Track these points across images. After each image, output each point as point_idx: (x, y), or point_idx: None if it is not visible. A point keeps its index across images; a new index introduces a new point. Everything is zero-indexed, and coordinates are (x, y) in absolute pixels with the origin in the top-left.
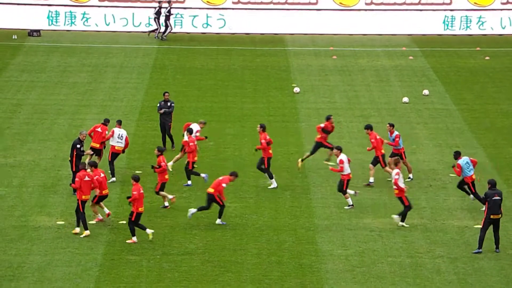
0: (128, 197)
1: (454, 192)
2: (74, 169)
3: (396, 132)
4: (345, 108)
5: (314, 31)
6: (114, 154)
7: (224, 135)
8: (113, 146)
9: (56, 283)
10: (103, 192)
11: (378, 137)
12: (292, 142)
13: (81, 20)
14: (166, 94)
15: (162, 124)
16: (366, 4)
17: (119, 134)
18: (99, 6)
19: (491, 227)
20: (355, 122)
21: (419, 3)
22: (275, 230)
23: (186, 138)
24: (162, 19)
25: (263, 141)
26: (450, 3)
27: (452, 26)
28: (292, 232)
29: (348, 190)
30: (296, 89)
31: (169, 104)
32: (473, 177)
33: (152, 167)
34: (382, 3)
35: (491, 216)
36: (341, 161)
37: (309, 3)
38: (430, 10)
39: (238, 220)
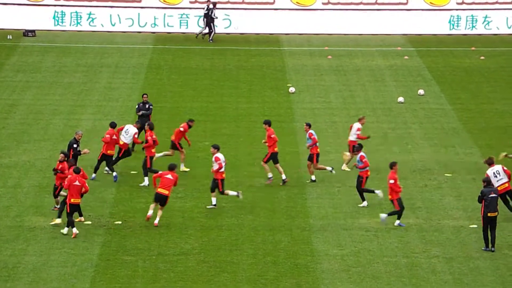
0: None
1: (449, 192)
2: None
3: (310, 131)
4: (340, 108)
5: (309, 31)
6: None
7: (220, 135)
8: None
9: (51, 284)
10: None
11: (273, 136)
12: (287, 142)
13: (87, 20)
14: (145, 96)
15: (142, 125)
16: (323, 4)
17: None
18: (100, 6)
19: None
20: (351, 122)
21: (375, 3)
22: (270, 230)
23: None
24: (208, 20)
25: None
26: (406, 3)
27: (457, 26)
28: (288, 232)
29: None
30: (291, 89)
31: (147, 106)
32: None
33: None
34: (338, 3)
35: (488, 214)
36: (362, 157)
37: (266, 3)
38: (429, 10)
39: (233, 220)
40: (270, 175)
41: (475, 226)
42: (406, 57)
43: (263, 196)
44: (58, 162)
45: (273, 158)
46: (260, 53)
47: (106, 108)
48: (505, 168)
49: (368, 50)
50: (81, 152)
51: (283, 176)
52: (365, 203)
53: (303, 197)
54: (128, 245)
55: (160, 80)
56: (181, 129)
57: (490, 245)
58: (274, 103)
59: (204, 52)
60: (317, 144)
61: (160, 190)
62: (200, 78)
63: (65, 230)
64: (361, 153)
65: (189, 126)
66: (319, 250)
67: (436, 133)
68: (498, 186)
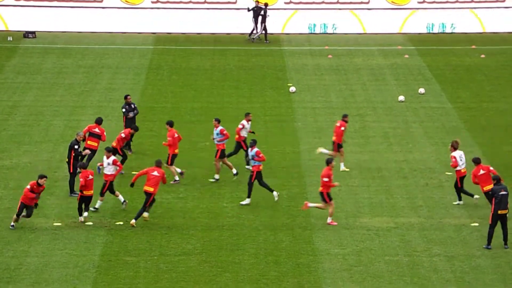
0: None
1: (450, 190)
2: (71, 171)
3: (220, 127)
4: (341, 107)
5: (309, 31)
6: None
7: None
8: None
9: (53, 285)
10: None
11: (176, 135)
12: (288, 142)
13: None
14: (129, 97)
15: (129, 127)
16: (285, 3)
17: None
18: (100, 7)
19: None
20: (351, 121)
21: (337, 2)
22: (272, 229)
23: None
24: (258, 20)
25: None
26: (368, 2)
27: (451, 26)
28: (289, 231)
29: None
30: (292, 89)
31: (133, 106)
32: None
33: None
34: (300, 2)
35: (499, 212)
36: None
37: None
38: (430, 8)
39: (235, 220)
40: (178, 174)
41: (477, 224)
42: (406, 56)
43: (264, 195)
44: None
45: (173, 159)
46: (261, 53)
47: (106, 109)
48: (491, 168)
49: (368, 49)
50: (82, 153)
51: (179, 171)
52: (275, 195)
53: (304, 196)
54: (129, 245)
55: (160, 80)
56: (122, 135)
57: (503, 243)
58: (274, 103)
59: (205, 53)
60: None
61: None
62: (201, 78)
63: (86, 214)
64: (257, 149)
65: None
66: (321, 250)
67: (437, 131)
68: (462, 169)
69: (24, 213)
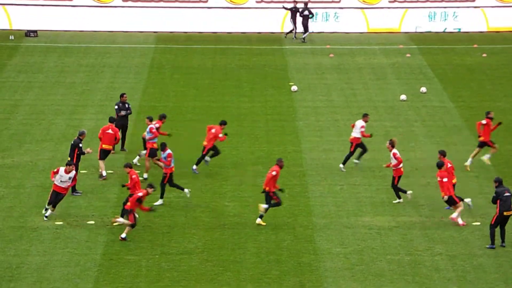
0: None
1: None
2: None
3: (151, 125)
4: (343, 106)
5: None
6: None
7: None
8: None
9: (55, 284)
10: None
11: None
12: (289, 141)
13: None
14: (124, 95)
15: (121, 125)
16: (257, 2)
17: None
18: (101, 6)
19: None
20: (353, 120)
21: (309, 1)
22: (273, 229)
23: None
24: (297, 19)
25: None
26: (339, 2)
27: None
28: (291, 230)
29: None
30: (294, 88)
31: (127, 106)
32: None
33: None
34: (272, 1)
35: (504, 213)
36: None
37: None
38: (430, 7)
39: (236, 219)
40: (104, 173)
41: (478, 223)
42: (408, 55)
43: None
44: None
45: (103, 153)
46: (262, 52)
47: (108, 108)
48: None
49: (370, 48)
50: (85, 152)
51: (103, 173)
52: (187, 192)
53: (306, 195)
54: (131, 244)
55: (162, 79)
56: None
57: (501, 241)
58: (276, 102)
59: (206, 52)
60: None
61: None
62: (202, 78)
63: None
64: (169, 151)
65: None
66: (322, 249)
67: (438, 130)
68: (401, 168)
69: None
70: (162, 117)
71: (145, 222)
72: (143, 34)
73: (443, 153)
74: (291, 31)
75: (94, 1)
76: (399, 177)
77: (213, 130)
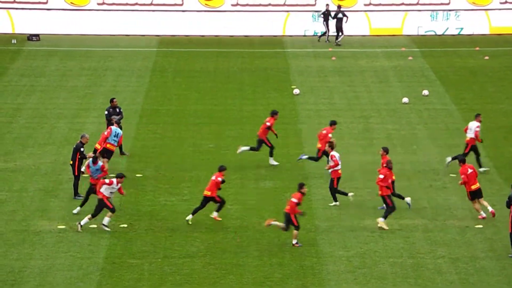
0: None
1: (454, 192)
2: (76, 173)
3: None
4: (345, 109)
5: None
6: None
7: (224, 138)
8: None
9: (57, 287)
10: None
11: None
12: (292, 144)
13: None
14: (114, 100)
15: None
16: (232, 5)
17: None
18: (97, 10)
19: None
20: (355, 123)
21: (284, 4)
22: (276, 232)
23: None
24: (330, 22)
25: None
26: (314, 4)
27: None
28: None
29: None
30: (296, 91)
31: (118, 110)
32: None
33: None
34: (247, 4)
35: None
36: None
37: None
38: (429, 10)
39: (239, 222)
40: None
41: (481, 226)
42: (410, 58)
43: (268, 198)
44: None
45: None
46: (264, 55)
47: None
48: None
49: (372, 51)
50: (87, 156)
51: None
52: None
53: (309, 198)
54: (133, 248)
55: (164, 83)
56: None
57: None
58: (278, 105)
59: (208, 55)
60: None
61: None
62: (204, 81)
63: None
64: (100, 163)
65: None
66: (325, 252)
67: (441, 133)
68: (339, 170)
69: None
70: (274, 114)
71: (147, 226)
72: (145, 37)
73: (386, 150)
74: (324, 34)
75: (97, 5)
76: (338, 179)
77: (324, 131)
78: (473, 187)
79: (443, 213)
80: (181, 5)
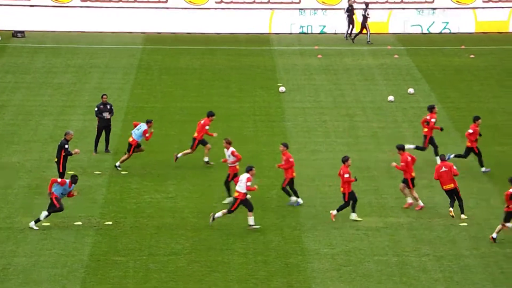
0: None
1: (439, 190)
2: (61, 170)
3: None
4: (331, 107)
5: (299, 31)
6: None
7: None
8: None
9: (42, 285)
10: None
11: None
12: (278, 142)
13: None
14: (104, 96)
15: (104, 127)
16: (216, 2)
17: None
18: (90, 7)
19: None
20: (341, 121)
21: (268, 2)
22: (261, 229)
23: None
24: (351, 19)
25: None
26: (299, 2)
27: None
28: (279, 231)
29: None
30: (282, 89)
31: (108, 107)
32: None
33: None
34: (231, 1)
35: None
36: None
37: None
38: (414, 8)
39: (224, 220)
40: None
41: (465, 224)
42: (396, 56)
43: (253, 195)
44: None
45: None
46: (251, 53)
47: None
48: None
49: (358, 49)
50: (72, 153)
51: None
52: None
53: None
54: (118, 245)
55: (150, 80)
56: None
57: None
58: (264, 103)
59: (194, 52)
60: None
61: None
62: (190, 78)
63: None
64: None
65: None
66: (310, 249)
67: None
68: (237, 166)
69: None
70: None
71: (132, 223)
72: (131, 35)
73: (285, 145)
74: (355, 33)
75: (82, 2)
76: (235, 174)
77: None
78: (413, 174)
79: (428, 211)
80: (166, 2)
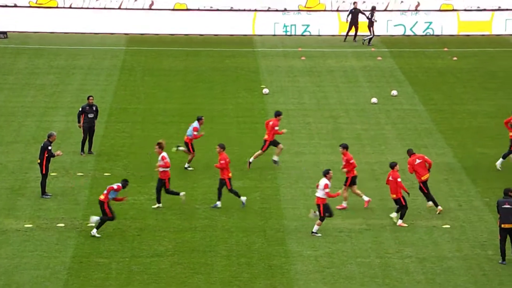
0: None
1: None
2: (44, 172)
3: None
4: (314, 109)
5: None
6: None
7: None
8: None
9: (24, 287)
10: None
11: None
12: (261, 143)
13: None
14: (91, 98)
15: (88, 128)
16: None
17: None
18: (73, 8)
19: None
20: (324, 123)
21: (252, 3)
22: (244, 231)
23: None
24: (368, 24)
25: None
26: (282, 6)
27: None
28: (262, 233)
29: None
30: (265, 90)
31: (94, 108)
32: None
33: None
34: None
35: (502, 226)
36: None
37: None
38: (397, 10)
39: (207, 221)
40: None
41: (448, 226)
42: (379, 58)
43: (236, 197)
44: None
45: None
46: (234, 55)
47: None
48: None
49: (341, 51)
50: (55, 154)
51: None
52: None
53: (277, 198)
54: (101, 247)
55: (133, 81)
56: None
57: (505, 259)
58: (248, 104)
59: (178, 54)
60: None
61: None
62: (174, 80)
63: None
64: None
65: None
66: (293, 251)
67: (409, 133)
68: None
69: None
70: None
71: (115, 225)
72: (114, 36)
73: (222, 146)
74: (369, 37)
75: (65, 3)
76: (169, 179)
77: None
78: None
79: (411, 213)
80: (150, 3)
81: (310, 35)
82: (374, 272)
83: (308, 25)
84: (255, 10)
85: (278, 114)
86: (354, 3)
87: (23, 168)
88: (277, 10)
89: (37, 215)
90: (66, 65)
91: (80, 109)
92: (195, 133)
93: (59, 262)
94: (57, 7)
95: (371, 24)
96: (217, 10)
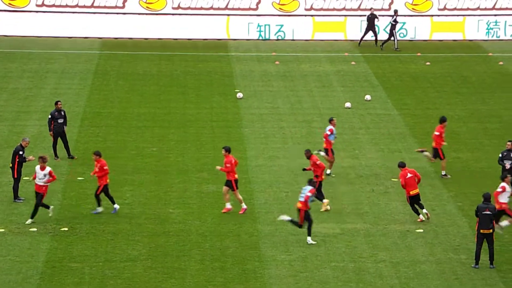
0: None
1: (396, 197)
2: (16, 176)
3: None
4: (288, 113)
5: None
6: None
7: (167, 141)
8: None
9: None
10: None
11: None
12: (235, 148)
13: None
14: (59, 103)
15: (59, 133)
16: (173, 8)
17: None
18: (46, 12)
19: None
20: (298, 127)
21: (226, 8)
22: (218, 236)
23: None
24: (391, 28)
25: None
26: (256, 9)
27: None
28: (236, 238)
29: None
30: (239, 95)
31: (63, 113)
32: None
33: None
34: (189, 7)
35: (481, 231)
36: None
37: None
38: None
39: (181, 226)
40: None
41: (421, 230)
42: (353, 63)
43: (210, 202)
44: None
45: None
46: (208, 59)
47: None
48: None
49: (315, 56)
50: (26, 159)
51: None
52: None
53: (251, 202)
54: (74, 251)
55: (107, 86)
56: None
57: (478, 263)
58: (222, 109)
59: (152, 58)
60: None
61: None
62: (148, 84)
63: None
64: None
65: None
66: (267, 256)
67: (383, 138)
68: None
69: None
70: (442, 121)
71: (88, 229)
72: (88, 40)
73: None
74: (385, 40)
75: (37, 6)
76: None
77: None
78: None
79: (384, 218)
80: (123, 7)
81: (284, 39)
82: (348, 276)
83: (282, 25)
84: (229, 15)
85: (443, 120)
86: (371, 8)
87: None
88: (250, 8)
89: (10, 220)
90: (39, 69)
91: (50, 116)
92: (329, 135)
93: (32, 267)
94: (29, 11)
95: (393, 27)
96: (191, 14)
